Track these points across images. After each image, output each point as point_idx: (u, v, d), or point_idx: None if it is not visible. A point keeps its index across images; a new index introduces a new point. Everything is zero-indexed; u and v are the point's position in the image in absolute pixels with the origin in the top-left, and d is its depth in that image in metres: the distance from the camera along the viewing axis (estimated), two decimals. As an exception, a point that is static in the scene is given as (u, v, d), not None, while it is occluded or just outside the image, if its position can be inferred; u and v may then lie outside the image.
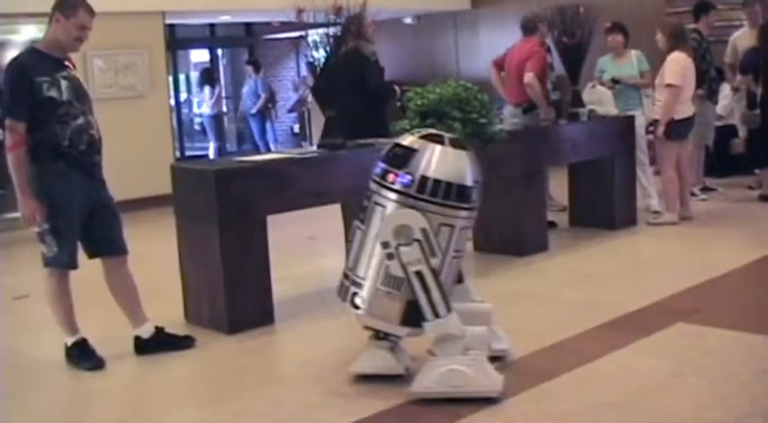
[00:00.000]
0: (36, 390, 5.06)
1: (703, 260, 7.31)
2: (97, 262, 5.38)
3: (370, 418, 4.30)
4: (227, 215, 5.72)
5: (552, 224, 8.79)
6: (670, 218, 8.65)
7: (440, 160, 4.41)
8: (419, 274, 4.32)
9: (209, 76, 17.09)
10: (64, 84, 5.08)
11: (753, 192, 10.07)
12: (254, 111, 16.10)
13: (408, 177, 4.34)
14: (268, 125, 16.60)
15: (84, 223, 5.21)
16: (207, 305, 5.97)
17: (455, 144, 4.52)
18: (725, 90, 10.69)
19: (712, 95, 9.94)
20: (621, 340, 5.23)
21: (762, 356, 4.83)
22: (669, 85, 8.35)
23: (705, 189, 10.12)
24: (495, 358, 4.81)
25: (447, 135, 4.58)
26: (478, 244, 7.93)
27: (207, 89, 16.34)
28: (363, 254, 4.47)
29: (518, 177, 7.49)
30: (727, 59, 10.42)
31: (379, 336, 4.69)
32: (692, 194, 9.79)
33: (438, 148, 4.44)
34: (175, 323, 5.90)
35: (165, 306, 6.04)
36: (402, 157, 4.41)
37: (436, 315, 4.37)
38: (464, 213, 4.46)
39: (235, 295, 5.80)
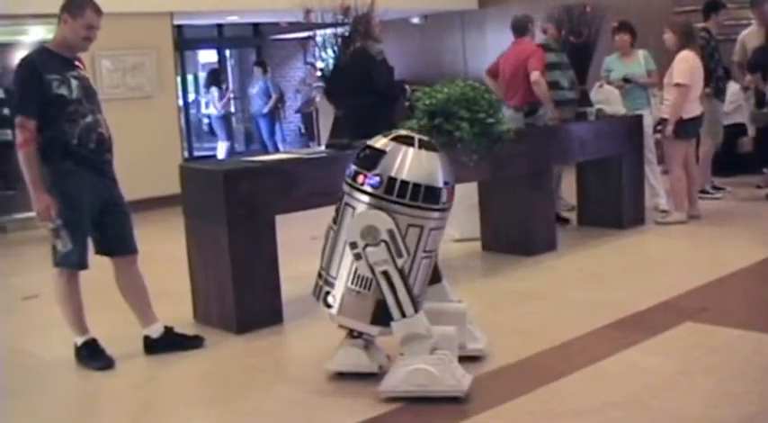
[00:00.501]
0: (45, 390, 5.08)
1: (711, 259, 7.30)
2: (107, 262, 5.40)
3: (378, 417, 4.31)
4: (236, 215, 5.73)
5: (565, 221, 8.81)
6: (678, 217, 8.64)
7: (410, 162, 4.46)
8: (386, 274, 4.37)
9: (216, 76, 17.10)
10: (74, 82, 5.10)
11: (761, 191, 10.06)
12: (265, 110, 16.12)
13: (377, 179, 4.40)
14: (277, 125, 16.63)
15: (95, 222, 5.23)
16: (216, 305, 5.98)
17: (426, 146, 4.56)
18: (731, 88, 10.67)
19: (719, 94, 9.93)
20: (629, 339, 5.23)
21: (770, 355, 4.84)
22: (678, 85, 8.35)
23: (715, 188, 10.12)
24: (472, 358, 4.88)
25: (417, 137, 4.60)
26: (486, 243, 7.94)
27: (214, 90, 16.35)
28: (336, 254, 4.54)
29: (526, 177, 7.49)
30: (736, 58, 10.40)
31: (353, 334, 4.75)
32: (706, 193, 9.81)
33: (408, 150, 4.48)
34: (184, 323, 5.91)
35: (174, 306, 6.05)
36: (371, 159, 4.46)
37: (403, 314, 4.40)
38: (434, 214, 4.50)
39: (244, 295, 5.81)
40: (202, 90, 19.01)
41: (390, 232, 4.36)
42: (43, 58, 5.12)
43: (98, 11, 5.20)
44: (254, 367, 5.25)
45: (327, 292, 4.54)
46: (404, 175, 4.40)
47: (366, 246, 4.34)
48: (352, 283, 4.46)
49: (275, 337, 5.80)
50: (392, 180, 4.38)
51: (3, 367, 5.66)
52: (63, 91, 5.05)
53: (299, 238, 8.01)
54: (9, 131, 11.70)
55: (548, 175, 7.91)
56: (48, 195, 5.04)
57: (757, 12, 10.18)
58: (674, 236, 8.27)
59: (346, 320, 4.61)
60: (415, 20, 16.08)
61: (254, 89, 16.40)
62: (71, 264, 5.20)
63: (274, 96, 16.13)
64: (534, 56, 8.50)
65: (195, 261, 6.11)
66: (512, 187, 7.53)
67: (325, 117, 13.36)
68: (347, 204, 4.49)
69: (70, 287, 5.27)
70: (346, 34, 7.38)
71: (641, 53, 9.33)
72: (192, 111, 18.97)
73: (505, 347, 5.02)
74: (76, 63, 5.24)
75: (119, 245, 5.38)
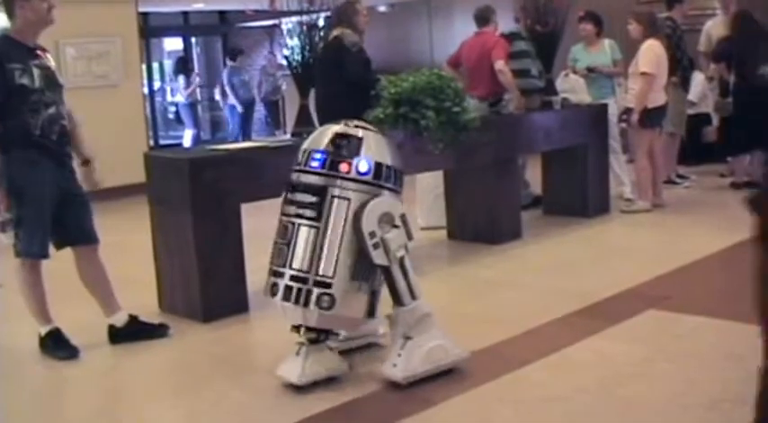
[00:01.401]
0: (10, 380, 5.05)
1: (675, 247, 7.35)
2: (69, 252, 5.36)
3: (347, 404, 4.32)
4: (201, 204, 5.71)
5: (537, 200, 8.87)
6: (643, 206, 8.70)
7: (384, 147, 4.47)
8: (401, 259, 4.36)
9: (184, 64, 16.99)
10: (36, 72, 5.05)
11: (725, 179, 10.16)
12: (262, 96, 16.08)
13: (367, 165, 4.34)
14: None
15: (55, 213, 5.19)
16: (181, 293, 5.96)
17: (378, 131, 4.57)
18: (696, 78, 10.74)
19: (684, 84, 10.01)
20: (594, 327, 5.26)
21: (732, 342, 4.87)
22: (643, 74, 8.40)
23: (679, 176, 10.20)
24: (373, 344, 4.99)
25: (364, 123, 4.61)
26: (452, 232, 7.96)
27: (182, 78, 16.24)
28: (326, 252, 4.29)
29: (491, 165, 7.51)
30: (702, 48, 10.45)
31: (318, 339, 4.50)
32: (672, 182, 9.88)
33: (376, 135, 4.49)
34: (150, 312, 5.89)
35: (139, 295, 6.03)
36: (352, 147, 4.38)
37: (413, 297, 4.40)
38: (401, 198, 4.53)
39: (209, 283, 5.79)
40: (169, 78, 18.90)
41: (402, 217, 4.37)
42: (5, 47, 5.06)
43: None
44: (220, 356, 5.24)
45: (323, 294, 4.26)
46: (388, 161, 4.41)
47: (384, 233, 4.30)
48: (352, 279, 4.32)
49: (241, 326, 5.79)
50: (379, 165, 4.36)
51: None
52: (25, 81, 5.00)
53: (267, 227, 7.98)
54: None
55: (513, 163, 7.94)
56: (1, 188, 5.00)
57: (722, 0, 10.24)
58: (638, 224, 8.33)
59: (337, 320, 4.43)
60: (382, 8, 16.07)
61: (233, 78, 16.12)
62: (32, 254, 5.16)
63: (265, 85, 16.05)
64: (497, 46, 8.54)
65: (160, 250, 6.08)
66: (477, 176, 7.55)
67: (291, 106, 13.31)
68: (336, 196, 4.30)
69: (33, 277, 5.23)
70: (312, 23, 7.36)
71: (607, 43, 9.37)
72: (158, 99, 18.85)
73: (471, 335, 5.03)
74: (38, 52, 5.19)
75: (79, 234, 5.34)
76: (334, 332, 4.69)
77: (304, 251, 4.33)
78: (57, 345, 5.28)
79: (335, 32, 7.24)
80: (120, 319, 5.47)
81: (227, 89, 15.81)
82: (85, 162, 5.48)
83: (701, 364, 4.62)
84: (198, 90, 17.22)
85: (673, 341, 5.00)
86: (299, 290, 4.31)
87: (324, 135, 4.48)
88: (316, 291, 4.29)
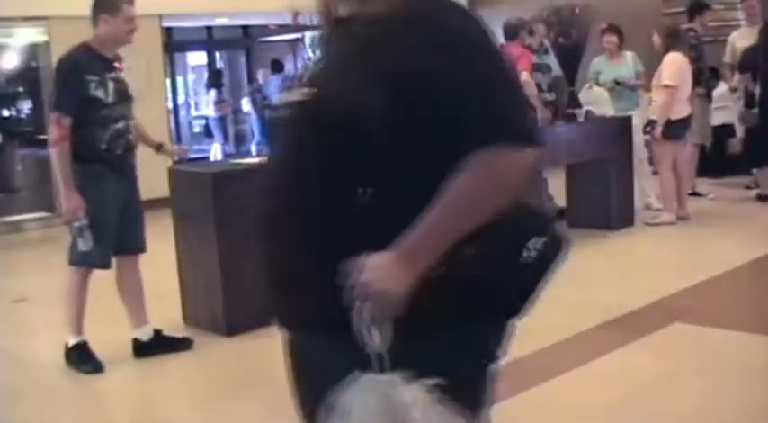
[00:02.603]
0: (37, 393, 5.07)
1: (700, 260, 7.31)
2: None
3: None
4: (225, 217, 5.73)
5: (561, 213, 8.84)
6: (667, 218, 8.66)
7: None
8: None
9: (216, 78, 17.05)
10: (111, 85, 5.14)
11: (750, 191, 10.08)
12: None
13: None
14: None
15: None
16: (205, 307, 5.97)
17: None
18: (720, 89, 10.70)
19: (709, 95, 9.99)
20: (618, 340, 5.24)
21: (758, 356, 4.85)
22: (666, 86, 8.38)
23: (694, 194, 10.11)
24: None
25: None
26: (476, 245, 7.93)
27: (213, 92, 16.32)
28: None
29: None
30: (727, 59, 10.42)
31: None
32: (697, 194, 9.83)
33: None
34: (174, 325, 5.90)
35: (163, 308, 6.04)
36: None
37: None
38: None
39: (232, 297, 5.80)
40: (194, 92, 18.97)
41: None
42: (86, 58, 5.15)
43: (132, 2, 5.25)
44: (244, 369, 5.25)
45: None
46: None
47: None
48: None
49: (264, 340, 5.77)
50: None
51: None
52: (99, 93, 5.08)
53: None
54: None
55: (537, 176, 7.92)
56: (77, 194, 5.03)
57: (746, 7, 10.22)
58: (662, 237, 8.29)
59: None
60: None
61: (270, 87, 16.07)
62: (91, 263, 5.20)
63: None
64: (522, 58, 8.55)
65: (184, 263, 6.10)
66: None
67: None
68: None
69: (81, 286, 5.25)
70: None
71: (629, 55, 9.35)
72: (182, 113, 18.92)
73: (495, 349, 5.02)
74: (115, 64, 5.27)
75: (129, 241, 5.38)
76: None
77: None
78: (81, 358, 5.31)
79: None
80: (146, 333, 5.49)
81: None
82: (158, 147, 5.67)
83: (726, 377, 4.59)
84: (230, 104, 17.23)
85: (698, 355, 4.97)
86: None
87: None
88: None
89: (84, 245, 5.10)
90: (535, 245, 2.03)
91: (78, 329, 5.34)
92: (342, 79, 1.95)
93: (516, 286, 2.05)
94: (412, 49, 1.89)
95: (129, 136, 5.26)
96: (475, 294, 1.94)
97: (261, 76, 16.63)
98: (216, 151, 16.22)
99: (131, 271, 5.47)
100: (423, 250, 1.86)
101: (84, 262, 5.20)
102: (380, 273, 1.83)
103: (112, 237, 5.22)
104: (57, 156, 5.05)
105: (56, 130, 5.03)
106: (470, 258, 1.91)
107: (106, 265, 5.26)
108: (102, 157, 5.12)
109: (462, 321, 1.95)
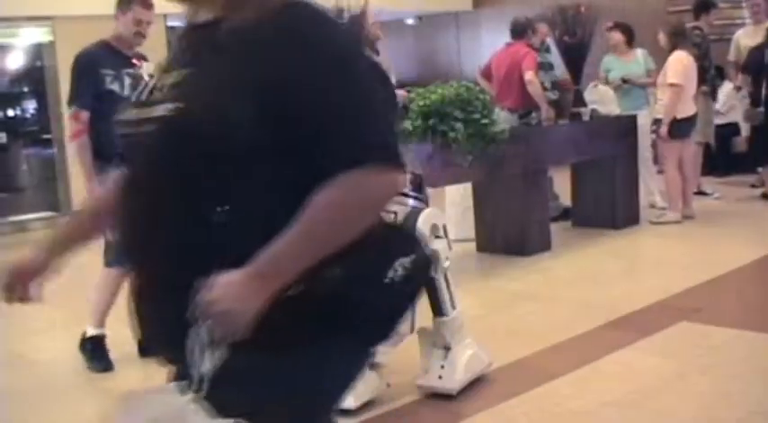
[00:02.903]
0: (42, 393, 5.07)
1: (706, 259, 7.30)
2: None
3: (376, 418, 4.31)
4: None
5: (566, 212, 8.82)
6: (673, 217, 8.65)
7: (408, 156, 4.36)
8: (445, 270, 4.34)
9: None
10: (127, 80, 5.15)
11: (755, 190, 10.08)
12: None
13: (409, 176, 4.24)
14: None
15: None
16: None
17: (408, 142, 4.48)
18: (725, 88, 10.70)
19: (714, 93, 9.98)
20: (624, 339, 5.23)
21: (765, 355, 4.84)
22: (672, 84, 8.37)
23: (700, 193, 10.11)
24: None
25: None
26: (481, 244, 7.94)
27: None
28: None
29: (520, 177, 7.49)
30: (732, 58, 10.41)
31: None
32: (703, 193, 9.82)
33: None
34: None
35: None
36: None
37: (454, 307, 4.39)
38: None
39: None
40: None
41: (444, 227, 4.34)
42: (101, 53, 5.20)
43: (146, 5, 5.26)
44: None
45: None
46: (419, 170, 4.38)
47: (433, 244, 4.24)
48: None
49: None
50: (409, 174, 4.25)
51: (3, 371, 5.66)
52: (115, 87, 5.12)
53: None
54: (3, 134, 11.76)
55: (542, 175, 7.92)
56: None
57: (751, 5, 10.21)
58: (668, 236, 8.28)
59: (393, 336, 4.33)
60: (410, 21, 16.08)
61: None
62: (122, 263, 5.18)
63: None
64: (527, 57, 8.56)
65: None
66: (506, 188, 7.53)
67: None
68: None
69: (116, 283, 5.16)
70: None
71: (640, 52, 9.34)
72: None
73: (500, 348, 5.02)
74: (134, 61, 5.28)
75: None
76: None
77: None
78: (95, 352, 5.28)
79: None
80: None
81: None
82: None
83: (731, 377, 4.58)
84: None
85: (703, 354, 4.96)
86: None
87: None
88: None
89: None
90: (402, 265, 1.94)
91: (100, 322, 5.32)
92: (210, 94, 1.84)
93: (379, 307, 1.94)
94: (281, 62, 1.80)
95: None
96: (336, 314, 1.86)
97: None
98: None
99: None
100: (276, 269, 1.78)
101: (115, 263, 5.10)
102: (228, 292, 1.75)
103: None
104: (77, 149, 5.09)
105: (74, 124, 5.07)
106: (332, 277, 1.83)
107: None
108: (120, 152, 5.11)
109: (320, 340, 1.87)
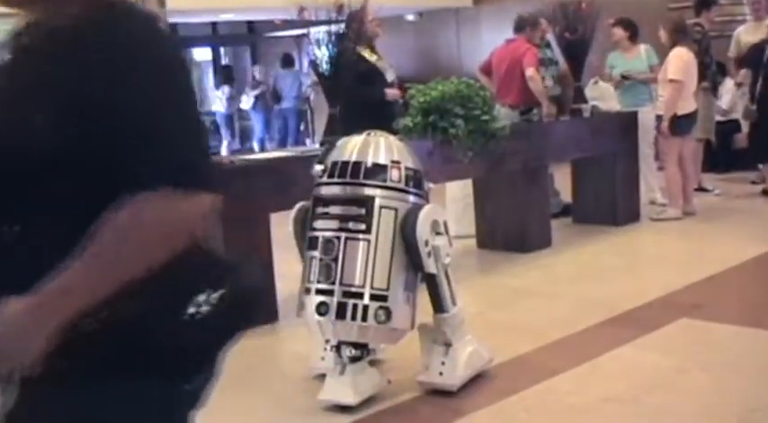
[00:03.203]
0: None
1: (706, 255, 7.31)
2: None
3: (376, 414, 4.31)
4: (230, 213, 5.71)
5: (567, 209, 8.82)
6: (673, 213, 8.64)
7: (408, 152, 4.37)
8: (446, 266, 4.34)
9: (228, 74, 17.04)
10: None
11: (756, 187, 10.07)
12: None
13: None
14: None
15: None
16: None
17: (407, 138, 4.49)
18: (727, 84, 10.69)
19: (714, 90, 9.98)
20: (625, 336, 5.23)
21: (765, 352, 4.84)
22: (672, 81, 8.36)
23: (701, 189, 10.11)
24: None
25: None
26: (482, 241, 7.93)
27: (226, 88, 16.33)
28: (379, 264, 4.13)
29: (521, 174, 7.49)
30: (732, 54, 10.41)
31: (361, 356, 4.36)
32: (705, 190, 9.81)
33: (398, 142, 4.42)
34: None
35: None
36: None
37: (454, 304, 4.39)
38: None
39: (238, 293, 5.78)
40: (206, 87, 19.00)
41: (445, 223, 4.32)
42: None
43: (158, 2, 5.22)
44: (250, 365, 5.23)
45: (381, 308, 4.10)
46: (418, 166, 4.36)
47: (434, 240, 4.22)
48: (405, 290, 4.20)
49: (270, 336, 5.79)
50: (409, 170, 4.27)
51: None
52: None
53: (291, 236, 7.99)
54: None
55: (543, 171, 7.92)
56: None
57: (751, 2, 10.21)
58: (669, 232, 8.28)
59: (392, 332, 4.26)
60: (410, 17, 16.07)
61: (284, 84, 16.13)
62: None
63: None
64: (528, 53, 8.56)
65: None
66: (507, 184, 7.53)
67: (319, 115, 13.33)
68: (385, 207, 4.16)
69: None
70: (341, 32, 7.36)
71: (643, 48, 9.33)
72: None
73: (501, 345, 5.02)
74: None
75: None
76: (372, 348, 4.52)
77: (357, 265, 4.14)
78: None
79: (349, 44, 7.22)
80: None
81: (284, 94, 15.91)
82: None
83: (732, 373, 4.58)
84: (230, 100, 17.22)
85: (704, 350, 4.96)
86: (355, 305, 4.10)
87: (349, 146, 4.35)
88: (372, 305, 4.10)
89: None
90: (207, 299, 1.76)
91: None
92: (7, 100, 1.68)
93: (179, 346, 1.75)
94: (92, 73, 1.63)
95: None
96: (133, 351, 1.70)
97: (258, 72, 16.67)
98: (225, 147, 16.27)
99: None
100: (62, 298, 1.61)
101: None
102: (7, 325, 1.60)
103: None
104: None
105: None
106: (129, 312, 1.67)
107: None
108: None
109: (117, 379, 1.71)
